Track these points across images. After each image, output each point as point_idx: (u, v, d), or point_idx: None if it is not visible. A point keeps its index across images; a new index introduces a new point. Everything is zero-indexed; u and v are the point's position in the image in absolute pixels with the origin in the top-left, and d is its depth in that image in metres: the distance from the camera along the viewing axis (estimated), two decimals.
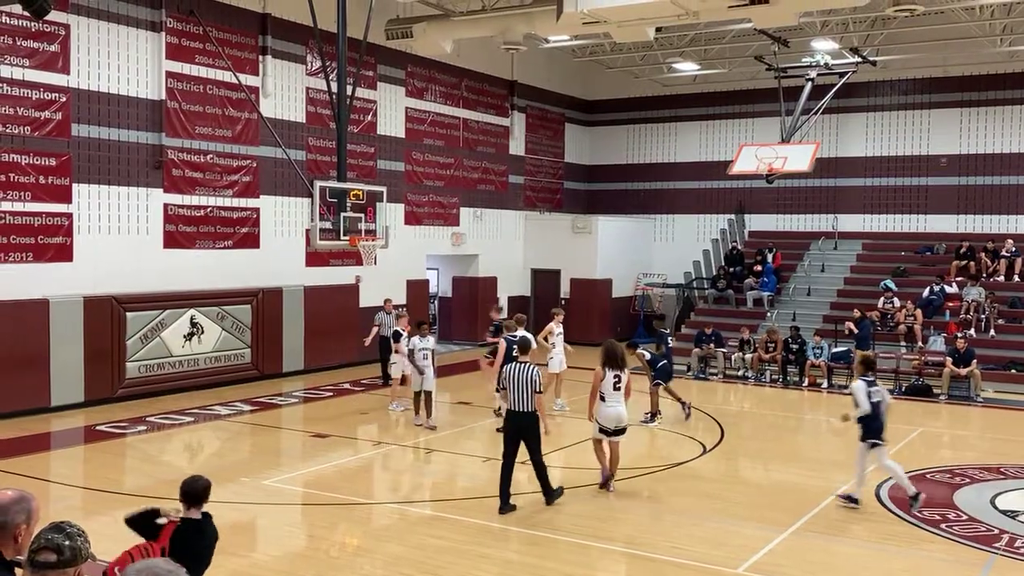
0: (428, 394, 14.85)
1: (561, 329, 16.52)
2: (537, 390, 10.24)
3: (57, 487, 11.34)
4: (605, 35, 19.89)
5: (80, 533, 3.44)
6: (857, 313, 20.00)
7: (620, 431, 11.32)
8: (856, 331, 20.08)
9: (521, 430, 10.29)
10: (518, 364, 10.46)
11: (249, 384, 18.25)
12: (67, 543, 3.37)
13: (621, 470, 11.51)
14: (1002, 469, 12.70)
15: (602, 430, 11.26)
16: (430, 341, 15.16)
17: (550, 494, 10.46)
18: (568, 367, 16.55)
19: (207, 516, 5.84)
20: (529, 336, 13.18)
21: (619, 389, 11.19)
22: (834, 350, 20.01)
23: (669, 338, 17.63)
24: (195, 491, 5.86)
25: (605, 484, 11.29)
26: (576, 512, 10.61)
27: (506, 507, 10.18)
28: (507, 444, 10.38)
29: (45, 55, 15.38)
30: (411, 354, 14.99)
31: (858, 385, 10.52)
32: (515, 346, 11.12)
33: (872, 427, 10.51)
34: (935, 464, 13.09)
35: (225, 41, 18.20)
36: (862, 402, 10.41)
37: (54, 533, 3.38)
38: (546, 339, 16.23)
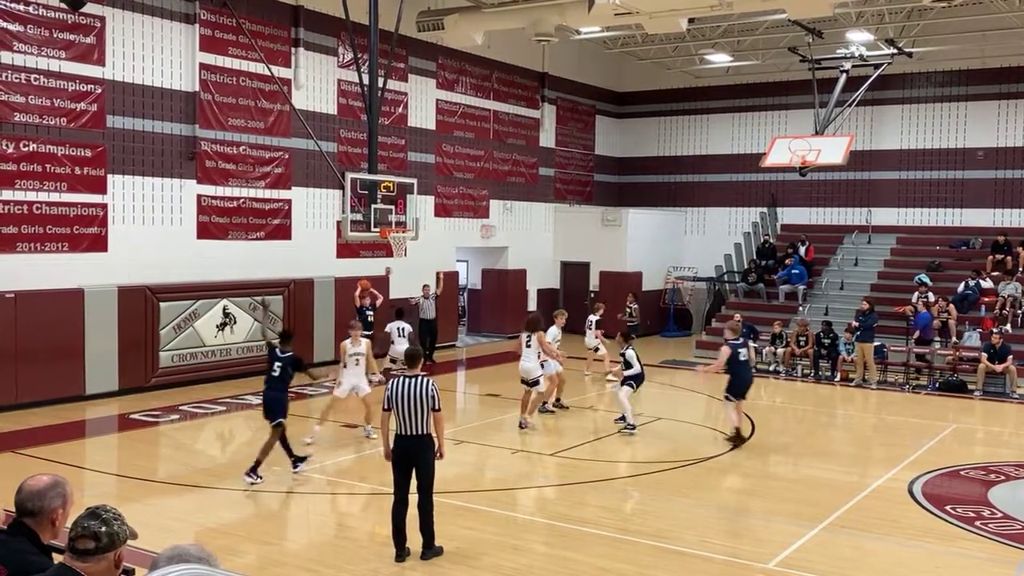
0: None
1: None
2: (436, 408, 8.51)
3: (91, 474, 11.49)
4: (637, 26, 19.78)
5: (117, 517, 3.49)
6: (865, 305, 19.83)
7: (529, 383, 14.10)
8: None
9: (412, 457, 8.52)
10: (407, 378, 8.54)
11: None
12: (103, 529, 3.42)
13: (650, 463, 11.93)
14: None
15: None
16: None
17: (430, 548, 8.54)
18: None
19: None
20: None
21: (530, 347, 14.09)
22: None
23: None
24: None
25: (523, 425, 14.05)
26: (605, 505, 10.58)
27: (402, 553, 8.47)
28: (396, 475, 8.60)
29: (81, 47, 15.54)
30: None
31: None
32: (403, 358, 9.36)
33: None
34: (969, 461, 12.91)
35: (258, 33, 18.30)
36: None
37: (90, 520, 3.44)
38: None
